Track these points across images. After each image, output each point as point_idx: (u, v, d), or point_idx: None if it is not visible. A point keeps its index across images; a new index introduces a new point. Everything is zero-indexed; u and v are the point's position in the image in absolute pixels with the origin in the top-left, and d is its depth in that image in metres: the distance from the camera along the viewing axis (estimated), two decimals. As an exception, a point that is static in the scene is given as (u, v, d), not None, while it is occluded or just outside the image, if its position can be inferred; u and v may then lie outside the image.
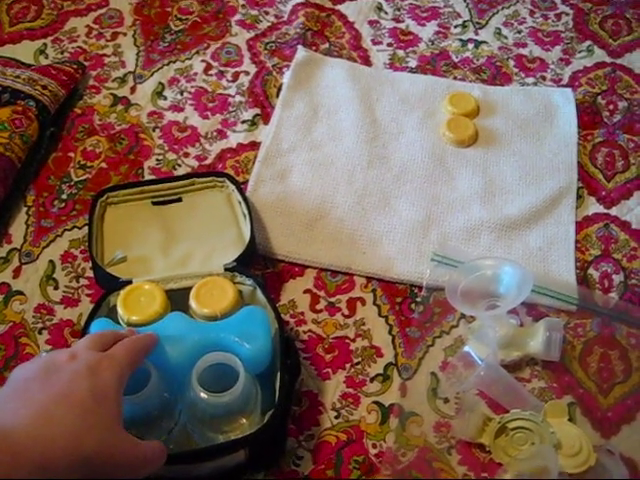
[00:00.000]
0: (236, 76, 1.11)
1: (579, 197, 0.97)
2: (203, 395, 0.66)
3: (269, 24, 1.19)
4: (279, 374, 0.71)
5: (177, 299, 0.77)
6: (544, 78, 1.12)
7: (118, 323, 0.75)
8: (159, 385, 0.66)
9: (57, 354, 0.59)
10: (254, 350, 0.70)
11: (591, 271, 0.90)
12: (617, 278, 0.90)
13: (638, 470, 0.74)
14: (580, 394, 0.80)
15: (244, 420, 0.70)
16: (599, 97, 1.10)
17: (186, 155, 1.02)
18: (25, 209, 0.95)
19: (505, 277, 0.81)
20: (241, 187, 0.90)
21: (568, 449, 0.73)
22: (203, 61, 1.13)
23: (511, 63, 1.14)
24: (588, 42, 1.17)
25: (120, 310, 0.75)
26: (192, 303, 0.76)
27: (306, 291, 0.88)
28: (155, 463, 0.60)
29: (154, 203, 0.90)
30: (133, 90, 1.10)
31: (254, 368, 0.70)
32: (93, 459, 0.53)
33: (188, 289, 0.78)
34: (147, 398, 0.65)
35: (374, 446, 0.76)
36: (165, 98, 1.09)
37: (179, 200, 0.90)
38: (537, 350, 0.80)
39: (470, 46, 1.16)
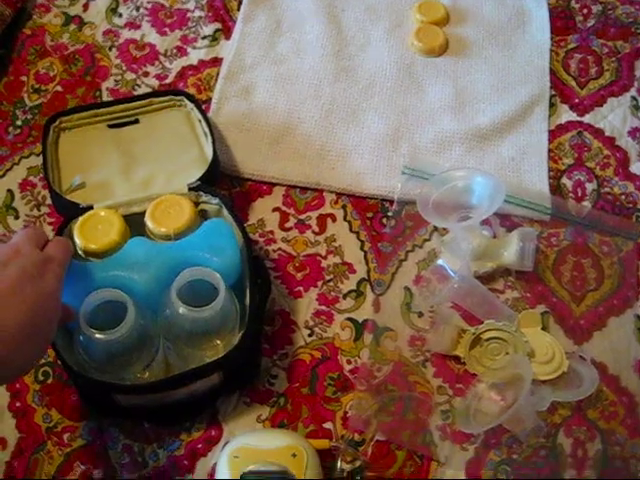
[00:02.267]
0: (195, -11, 1.06)
1: (552, 105, 0.95)
2: (183, 310, 0.64)
3: None
4: (249, 293, 0.69)
5: (140, 223, 0.75)
6: (516, -18, 1.08)
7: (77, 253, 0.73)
8: (136, 316, 0.64)
9: (1, 249, 0.60)
10: (223, 262, 0.69)
11: (564, 180, 0.89)
12: (590, 186, 0.89)
13: (609, 373, 0.75)
14: (553, 303, 0.80)
15: (218, 342, 0.69)
16: (572, 1, 1.06)
17: (145, 74, 0.97)
18: (-22, 138, 0.91)
19: (477, 188, 0.80)
20: (200, 105, 0.86)
21: (541, 357, 0.74)
22: (159, -26, 1.07)
23: (482, -33, 1.09)
24: (561, -57, 1.12)
25: (77, 239, 0.72)
26: (148, 223, 0.74)
27: (275, 209, 0.86)
28: None
29: (110, 126, 0.86)
30: (86, 7, 1.04)
31: (225, 280, 0.68)
32: (40, 344, 0.57)
33: (151, 212, 0.75)
34: (126, 331, 0.63)
35: (349, 362, 0.76)
36: (120, 15, 1.03)
37: (136, 122, 0.86)
38: (510, 260, 0.79)
39: (439, -50, 1.11)
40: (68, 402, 0.73)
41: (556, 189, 0.88)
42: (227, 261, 0.69)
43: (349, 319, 0.79)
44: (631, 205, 0.87)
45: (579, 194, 0.88)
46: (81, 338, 0.64)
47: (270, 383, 0.74)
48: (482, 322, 0.76)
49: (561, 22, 1.03)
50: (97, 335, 0.62)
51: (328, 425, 0.72)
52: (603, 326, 0.79)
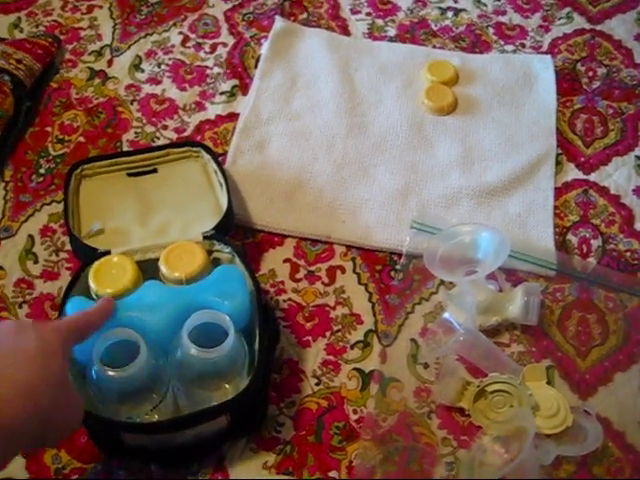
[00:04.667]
0: (214, 47, 1.11)
1: (558, 163, 0.98)
2: (193, 351, 0.66)
3: (247, -5, 1.18)
4: (258, 339, 0.71)
5: (154, 268, 0.77)
6: (523, 45, 1.12)
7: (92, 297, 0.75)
8: (148, 356, 0.66)
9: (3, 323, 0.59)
10: (233, 306, 0.71)
11: (570, 236, 0.91)
12: (595, 243, 0.90)
13: (613, 428, 0.75)
14: (558, 357, 0.81)
15: (227, 385, 0.70)
16: (578, 64, 1.09)
17: (165, 127, 1.01)
18: (3, 184, 0.95)
19: (483, 243, 0.82)
20: (216, 157, 0.89)
21: (546, 410, 0.74)
22: (180, 33, 1.12)
23: (490, 31, 1.14)
24: (567, 9, 1.17)
25: (92, 284, 0.75)
26: (162, 267, 0.76)
27: (286, 260, 0.88)
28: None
29: (129, 175, 0.89)
30: (110, 63, 1.09)
31: (235, 324, 0.70)
32: (48, 411, 0.54)
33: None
34: (137, 370, 0.64)
35: (355, 412, 0.77)
36: (142, 71, 1.08)
37: (154, 171, 0.90)
38: (515, 315, 0.81)
39: (449, 14, 1.16)
40: (78, 444, 0.74)
41: (561, 245, 0.90)
42: (237, 305, 0.71)
43: (356, 369, 0.80)
44: (636, 262, 0.89)
45: (584, 250, 0.90)
46: (93, 375, 0.66)
47: (277, 430, 0.75)
48: (487, 375, 0.77)
49: (567, 84, 1.07)
50: (109, 372, 0.64)
51: (333, 474, 0.73)
52: (609, 381, 0.79)
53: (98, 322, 0.66)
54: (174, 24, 1.13)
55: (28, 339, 0.56)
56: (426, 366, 0.80)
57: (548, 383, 0.78)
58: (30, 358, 0.54)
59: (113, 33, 1.12)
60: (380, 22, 1.15)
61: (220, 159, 0.92)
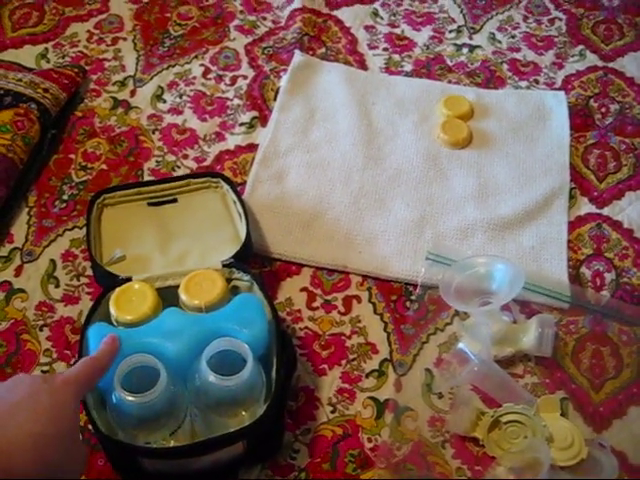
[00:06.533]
0: (234, 80, 1.13)
1: (571, 197, 0.99)
2: (212, 378, 0.66)
3: (267, 29, 1.21)
4: (275, 367, 0.72)
5: (174, 296, 0.79)
6: (537, 82, 1.14)
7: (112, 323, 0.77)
8: (167, 382, 0.67)
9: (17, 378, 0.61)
10: (252, 334, 0.72)
11: (583, 270, 0.92)
12: (609, 276, 0.91)
13: (628, 462, 0.75)
14: (572, 389, 0.81)
15: (244, 412, 0.71)
16: (591, 100, 1.11)
17: (185, 157, 1.03)
18: (27, 209, 0.97)
19: (497, 274, 0.83)
20: (235, 187, 0.91)
21: (560, 442, 0.74)
22: (202, 65, 1.15)
23: (505, 67, 1.16)
24: (581, 47, 1.19)
25: (112, 310, 0.76)
26: (182, 295, 0.77)
27: (303, 289, 0.90)
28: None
29: (150, 204, 0.91)
30: (133, 93, 1.11)
31: (254, 352, 0.70)
32: (57, 463, 0.56)
33: (185, 286, 0.79)
34: (157, 396, 0.65)
35: (369, 440, 0.77)
36: (164, 101, 1.10)
37: (175, 201, 0.91)
38: (530, 346, 0.81)
39: (465, 50, 1.18)
40: (95, 467, 0.75)
41: (575, 278, 0.91)
42: (256, 333, 0.72)
43: (371, 398, 0.81)
44: (649, 296, 0.89)
45: (598, 283, 0.91)
46: (113, 400, 0.67)
47: (292, 457, 0.76)
48: (501, 405, 0.77)
49: (580, 119, 1.08)
50: (129, 397, 0.65)
51: (347, 502, 0.73)
52: (623, 415, 0.80)
53: (107, 364, 0.67)
54: (196, 56, 1.16)
55: (42, 393, 0.58)
56: (440, 396, 0.81)
57: (562, 415, 0.78)
58: (44, 413, 0.57)
59: (136, 64, 1.15)
60: (397, 57, 1.17)
61: (239, 189, 0.93)
